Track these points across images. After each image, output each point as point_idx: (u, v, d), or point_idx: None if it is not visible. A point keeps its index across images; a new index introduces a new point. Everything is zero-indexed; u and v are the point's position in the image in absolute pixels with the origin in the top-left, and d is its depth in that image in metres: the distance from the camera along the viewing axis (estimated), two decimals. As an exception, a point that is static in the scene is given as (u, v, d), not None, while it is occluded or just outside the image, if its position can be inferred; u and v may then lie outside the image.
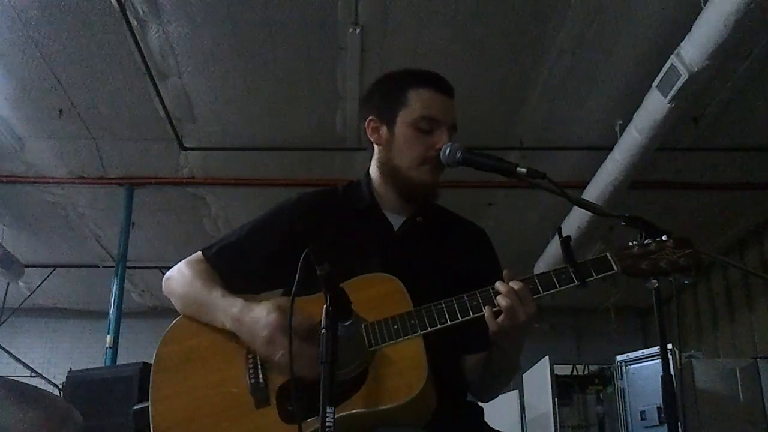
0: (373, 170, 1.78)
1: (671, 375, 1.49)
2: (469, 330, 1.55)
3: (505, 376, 1.69)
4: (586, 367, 7.36)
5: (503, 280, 1.51)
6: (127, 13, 4.56)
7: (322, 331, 1.30)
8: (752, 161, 6.27)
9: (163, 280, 1.75)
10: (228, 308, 1.58)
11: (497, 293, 1.48)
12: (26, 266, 8.03)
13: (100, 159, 6.35)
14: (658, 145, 5.12)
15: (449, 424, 1.55)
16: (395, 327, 1.49)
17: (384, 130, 1.73)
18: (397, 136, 1.71)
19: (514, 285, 1.48)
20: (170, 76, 5.26)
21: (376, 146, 1.77)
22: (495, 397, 1.77)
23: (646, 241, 1.50)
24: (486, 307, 1.48)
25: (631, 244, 1.52)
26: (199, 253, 1.75)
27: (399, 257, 1.66)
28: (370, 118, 1.76)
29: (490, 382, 1.71)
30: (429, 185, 1.70)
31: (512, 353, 1.59)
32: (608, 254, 1.51)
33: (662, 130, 4.83)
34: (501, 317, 1.47)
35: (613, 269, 1.50)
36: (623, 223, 1.55)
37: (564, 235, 1.54)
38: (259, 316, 1.52)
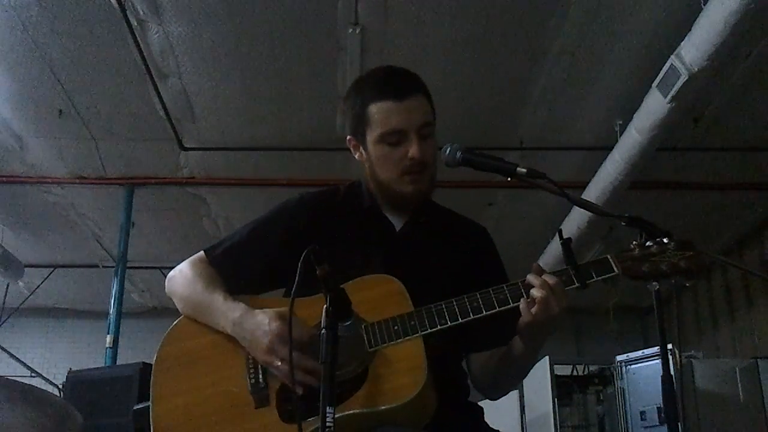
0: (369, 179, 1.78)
1: (671, 375, 1.49)
2: (478, 328, 1.55)
3: (523, 372, 1.69)
4: (586, 367, 7.35)
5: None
6: (127, 13, 4.56)
7: (322, 331, 1.30)
8: (752, 161, 6.27)
9: (166, 280, 1.76)
10: (229, 312, 1.58)
11: (531, 285, 1.48)
12: (26, 266, 8.02)
13: (100, 159, 6.35)
14: (658, 145, 5.11)
15: (449, 424, 1.55)
16: (395, 328, 1.49)
17: (361, 149, 1.73)
18: (371, 155, 1.69)
19: (548, 278, 1.47)
20: (170, 76, 5.26)
21: (363, 165, 1.76)
22: (505, 394, 1.76)
23: (647, 243, 1.49)
24: (521, 299, 1.48)
25: (632, 246, 1.51)
26: (202, 253, 1.76)
27: (400, 258, 1.66)
28: (348, 137, 1.76)
29: (505, 377, 1.70)
30: (415, 194, 1.68)
31: (537, 347, 1.58)
32: (609, 256, 1.51)
33: (662, 130, 4.83)
34: (535, 308, 1.46)
35: (613, 271, 1.50)
36: (623, 224, 1.54)
37: (564, 235, 1.54)
38: (260, 323, 1.53)
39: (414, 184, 1.67)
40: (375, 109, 1.66)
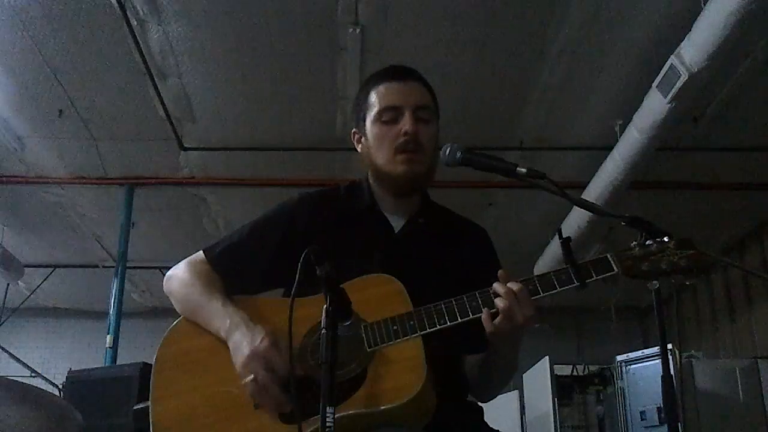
0: (369, 176, 1.79)
1: (671, 375, 1.48)
2: (469, 331, 1.55)
3: (503, 377, 1.69)
4: (586, 367, 7.37)
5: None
6: (127, 13, 4.56)
7: (322, 332, 1.30)
8: (752, 161, 6.26)
9: (164, 279, 1.76)
10: (225, 318, 1.58)
11: (496, 294, 1.48)
12: (26, 266, 8.03)
13: (100, 159, 6.35)
14: (658, 145, 5.11)
15: (449, 424, 1.55)
16: (394, 328, 1.49)
17: (363, 139, 1.75)
18: (369, 138, 1.72)
19: (513, 286, 1.47)
20: (170, 76, 5.26)
21: (362, 154, 1.77)
22: (494, 397, 1.76)
23: (647, 242, 1.49)
24: (484, 309, 1.48)
25: (632, 245, 1.51)
26: (201, 253, 1.75)
27: (400, 259, 1.66)
28: (353, 130, 1.79)
29: (488, 382, 1.71)
30: (407, 176, 1.67)
31: (509, 354, 1.59)
32: (609, 255, 1.51)
33: (662, 130, 4.83)
34: (498, 319, 1.46)
35: (613, 270, 1.49)
36: (623, 224, 1.54)
37: (564, 235, 1.54)
38: (247, 336, 1.52)
39: (406, 164, 1.66)
40: (375, 92, 1.72)
